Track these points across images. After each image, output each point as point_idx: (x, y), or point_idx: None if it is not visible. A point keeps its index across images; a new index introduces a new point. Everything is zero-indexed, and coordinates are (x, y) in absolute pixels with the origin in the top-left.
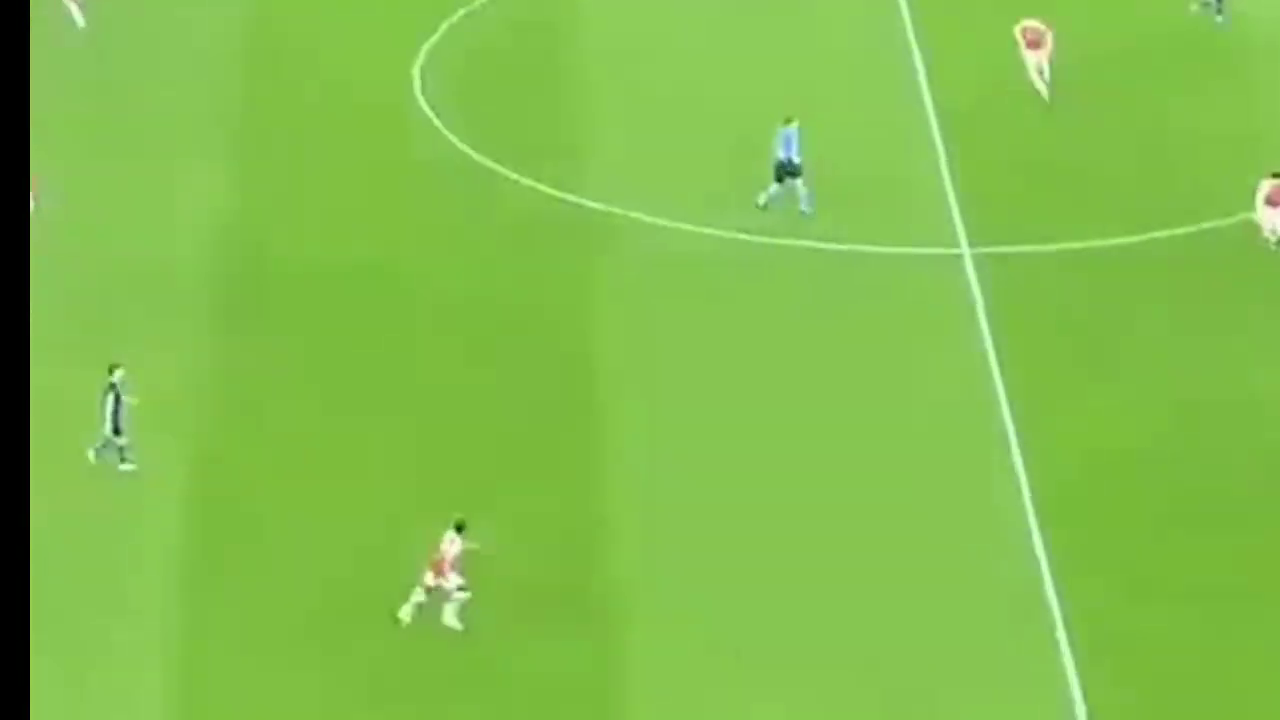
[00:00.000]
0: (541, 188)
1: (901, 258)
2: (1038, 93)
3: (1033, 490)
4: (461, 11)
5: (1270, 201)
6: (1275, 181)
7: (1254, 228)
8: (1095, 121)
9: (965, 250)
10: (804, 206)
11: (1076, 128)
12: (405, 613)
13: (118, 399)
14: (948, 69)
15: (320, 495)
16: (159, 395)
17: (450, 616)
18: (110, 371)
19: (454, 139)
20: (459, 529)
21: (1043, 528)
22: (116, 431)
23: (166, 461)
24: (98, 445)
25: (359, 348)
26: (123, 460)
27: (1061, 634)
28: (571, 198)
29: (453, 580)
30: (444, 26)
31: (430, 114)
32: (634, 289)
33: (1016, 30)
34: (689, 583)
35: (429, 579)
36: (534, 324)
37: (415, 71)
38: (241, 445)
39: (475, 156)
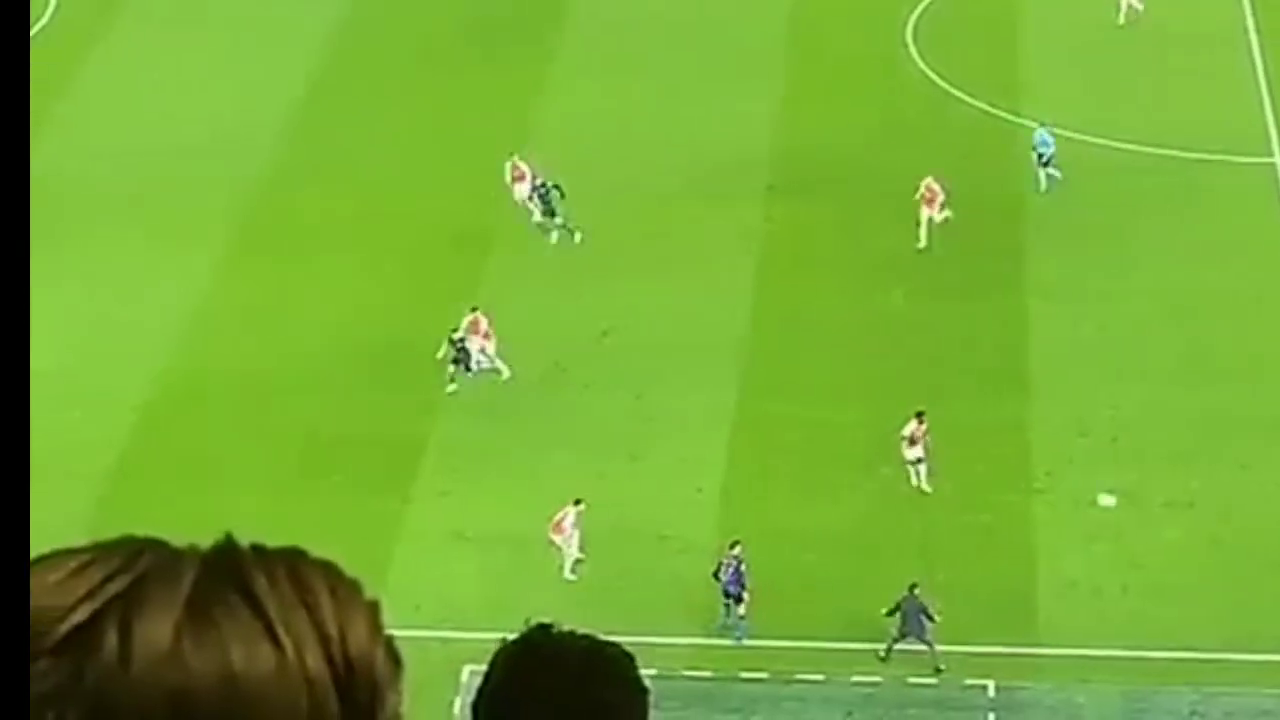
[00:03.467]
0: (988, 108)
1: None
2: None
3: None
4: None
5: None
6: None
7: None
8: None
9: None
10: (1047, 183)
11: None
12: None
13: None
14: None
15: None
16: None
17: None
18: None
19: (928, 71)
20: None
21: None
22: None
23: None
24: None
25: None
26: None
27: None
28: (1009, 116)
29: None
30: None
31: (914, 54)
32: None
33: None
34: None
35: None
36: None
37: (911, 22)
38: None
39: (941, 84)
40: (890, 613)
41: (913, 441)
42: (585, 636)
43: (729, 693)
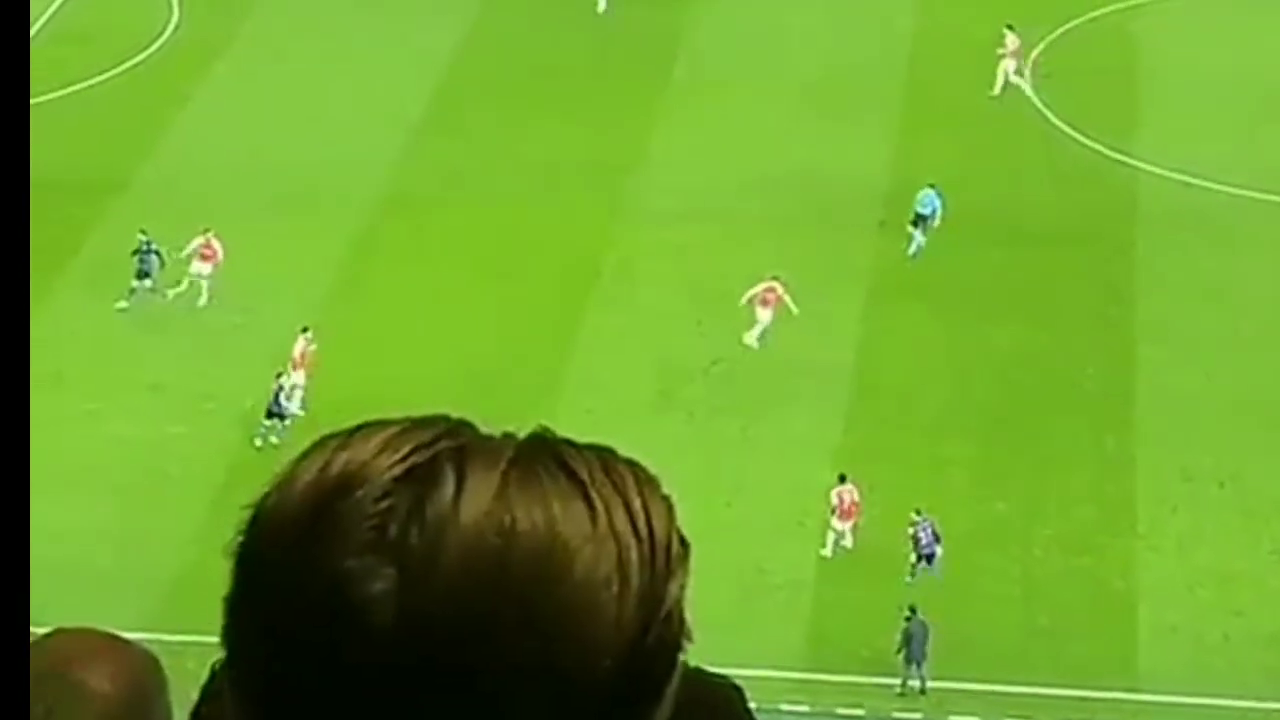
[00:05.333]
0: (1102, 148)
1: None
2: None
3: None
4: (1070, 24)
5: None
6: None
7: None
8: None
9: None
10: (914, 250)
11: None
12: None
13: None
14: None
15: None
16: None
17: None
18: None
19: (1044, 110)
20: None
21: None
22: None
23: None
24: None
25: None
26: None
27: None
28: (1125, 159)
29: None
30: (1054, 34)
31: (1030, 92)
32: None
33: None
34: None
35: None
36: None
37: (1028, 61)
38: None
39: (1057, 123)
40: (901, 649)
41: (845, 514)
42: (694, 668)
43: None
